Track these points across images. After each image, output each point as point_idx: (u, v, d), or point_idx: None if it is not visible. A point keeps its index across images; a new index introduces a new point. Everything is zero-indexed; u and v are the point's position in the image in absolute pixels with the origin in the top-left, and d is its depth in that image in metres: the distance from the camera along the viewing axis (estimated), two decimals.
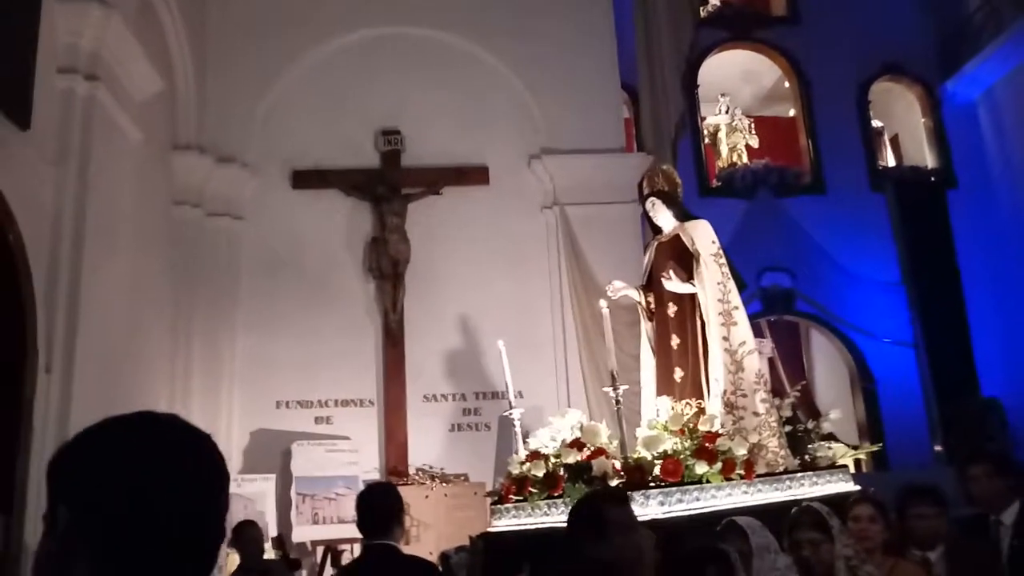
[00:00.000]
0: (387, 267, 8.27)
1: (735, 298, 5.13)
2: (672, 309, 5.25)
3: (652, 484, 4.15)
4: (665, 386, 5.15)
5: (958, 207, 12.68)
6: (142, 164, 6.75)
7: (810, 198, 12.86)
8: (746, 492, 4.35)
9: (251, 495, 7.01)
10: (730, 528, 3.06)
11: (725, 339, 4.99)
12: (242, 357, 8.01)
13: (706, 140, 13.61)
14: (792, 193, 12.90)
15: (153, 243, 7.25)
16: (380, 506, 3.12)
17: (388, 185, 8.46)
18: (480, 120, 8.84)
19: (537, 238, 8.71)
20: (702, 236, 5.25)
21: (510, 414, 5.24)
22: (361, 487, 7.55)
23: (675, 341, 5.22)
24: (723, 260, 5.20)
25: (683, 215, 5.48)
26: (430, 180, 8.62)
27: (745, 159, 13.54)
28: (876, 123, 13.76)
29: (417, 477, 7.53)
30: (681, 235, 5.30)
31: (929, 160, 13.63)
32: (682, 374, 5.15)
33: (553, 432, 4.77)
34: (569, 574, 2.48)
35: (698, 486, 4.21)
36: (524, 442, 5.08)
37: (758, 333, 13.62)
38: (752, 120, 14.00)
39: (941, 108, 13.67)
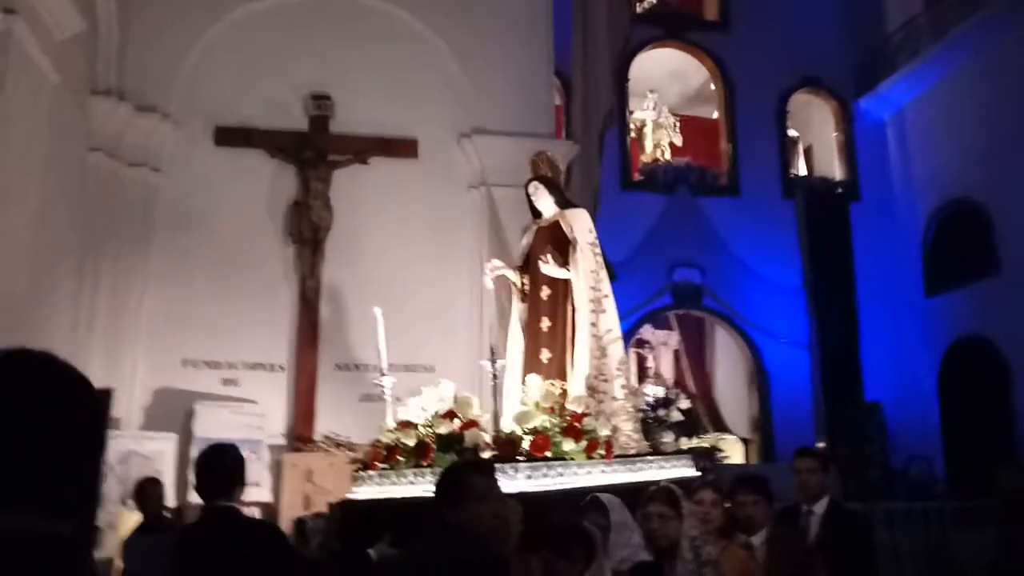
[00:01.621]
0: (307, 233, 8.20)
1: (606, 287, 5.31)
2: (545, 292, 5.38)
3: (521, 458, 4.24)
4: (532, 366, 5.25)
5: (860, 219, 13.37)
6: (58, 106, 6.49)
7: (725, 199, 13.34)
8: (604, 471, 4.52)
9: (150, 453, 6.91)
10: (594, 504, 3.23)
11: (593, 325, 5.16)
12: (150, 312, 7.82)
13: (632, 134, 13.92)
14: (709, 193, 13.35)
15: (65, 188, 6.99)
16: (219, 466, 3.01)
17: (315, 150, 8.37)
18: (413, 94, 8.82)
19: (462, 216, 8.78)
20: (581, 225, 5.41)
21: (380, 382, 5.24)
22: (266, 452, 7.58)
23: (545, 323, 5.35)
24: (598, 250, 5.39)
25: (563, 202, 5.63)
26: (358, 148, 8.57)
27: (668, 156, 13.91)
28: (792, 132, 14.34)
29: (323, 444, 7.53)
30: (560, 222, 5.45)
31: (838, 172, 14.31)
32: (549, 355, 5.28)
33: (424, 402, 4.76)
34: (430, 540, 2.52)
35: (562, 462, 4.33)
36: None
37: (666, 326, 14.15)
38: (677, 118, 14.37)
39: (853, 123, 14.35)
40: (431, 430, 4.49)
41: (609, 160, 11.16)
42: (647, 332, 13.78)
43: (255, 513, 6.93)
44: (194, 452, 7.12)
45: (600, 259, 5.39)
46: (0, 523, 1.00)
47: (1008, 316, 11.29)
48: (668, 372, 13.96)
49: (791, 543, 3.91)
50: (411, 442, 4.48)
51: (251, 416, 7.58)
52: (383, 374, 5.32)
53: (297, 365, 8.04)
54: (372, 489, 4.61)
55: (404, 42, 8.87)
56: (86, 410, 1.10)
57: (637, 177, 13.54)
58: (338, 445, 7.65)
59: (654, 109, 14.23)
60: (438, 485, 2.66)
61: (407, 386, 7.59)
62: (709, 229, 13.01)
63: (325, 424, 7.80)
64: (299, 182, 8.34)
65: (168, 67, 8.20)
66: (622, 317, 12.50)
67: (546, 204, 5.61)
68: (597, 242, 5.43)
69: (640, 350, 13.92)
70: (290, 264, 8.29)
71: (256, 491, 7.05)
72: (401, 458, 4.51)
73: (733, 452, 10.11)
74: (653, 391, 12.06)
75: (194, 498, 6.97)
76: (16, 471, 1.01)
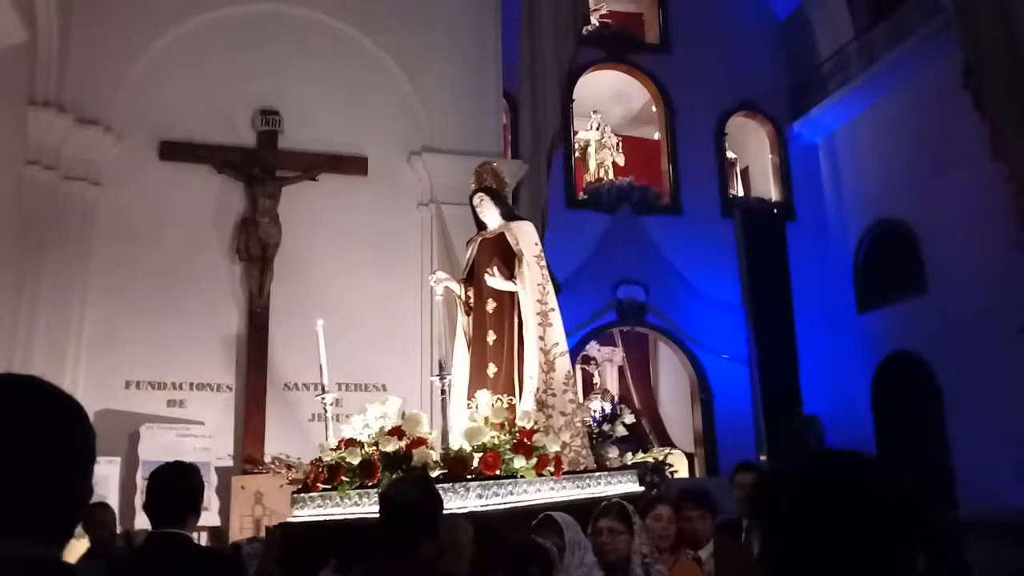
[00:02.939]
0: (255, 250, 8.05)
1: (552, 300, 5.23)
2: (491, 305, 5.27)
3: (470, 476, 4.12)
4: (478, 381, 5.14)
5: (795, 238, 13.83)
6: None
7: (668, 218, 13.64)
8: (553, 488, 4.44)
9: (94, 478, 6.64)
10: (546, 523, 3.14)
11: (541, 339, 5.06)
12: (91, 332, 7.55)
13: (576, 154, 14.11)
14: (652, 212, 13.63)
15: (0, 202, 6.73)
16: (173, 488, 2.72)
17: (263, 166, 8.24)
18: (363, 112, 8.79)
19: (411, 233, 8.75)
20: (526, 237, 5.31)
21: (322, 399, 5.03)
22: (214, 475, 7.38)
23: (491, 337, 5.24)
24: (544, 263, 5.31)
25: (509, 214, 5.53)
26: (307, 165, 8.47)
27: (611, 175, 14.15)
28: (731, 154, 14.76)
29: (273, 466, 7.36)
30: (506, 234, 5.33)
31: (774, 193, 14.78)
32: (496, 370, 5.16)
33: (368, 419, 4.55)
34: (382, 566, 2.41)
35: (512, 480, 4.22)
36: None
37: (611, 342, 14.33)
38: (620, 139, 14.65)
39: (788, 146, 14.86)
40: (376, 448, 4.29)
41: (554, 179, 11.30)
42: (592, 348, 13.94)
43: (202, 538, 6.75)
44: (140, 476, 6.92)
45: (546, 272, 5.31)
46: None
47: (935, 333, 11.80)
48: (614, 388, 14.13)
49: (740, 556, 3.99)
50: (356, 461, 4.28)
51: (198, 438, 7.38)
52: (324, 390, 5.08)
53: (245, 385, 7.87)
54: (314, 511, 4.40)
55: (355, 60, 8.83)
56: (76, 434, 1.10)
57: (581, 196, 13.75)
58: (288, 467, 7.50)
59: (598, 129, 14.49)
60: (384, 509, 2.54)
61: (359, 406, 7.54)
62: (652, 247, 13.27)
63: (275, 445, 7.62)
64: (247, 198, 8.19)
65: (112, 79, 7.98)
66: (568, 334, 12.62)
67: (491, 216, 5.48)
68: (543, 255, 5.36)
69: (586, 366, 14.06)
70: (237, 281, 8.13)
71: (204, 515, 6.85)
72: (345, 478, 4.29)
73: (679, 466, 10.29)
74: (600, 406, 12.17)
75: (142, 523, 6.79)
76: (7, 497, 1.01)
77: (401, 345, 8.28)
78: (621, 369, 14.44)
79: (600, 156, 14.28)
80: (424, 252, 8.70)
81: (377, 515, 2.64)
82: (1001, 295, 10.74)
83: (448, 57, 9.11)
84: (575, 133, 14.11)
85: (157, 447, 7.09)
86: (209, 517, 7.07)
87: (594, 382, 14.06)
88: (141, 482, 6.90)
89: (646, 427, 13.40)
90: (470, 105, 9.17)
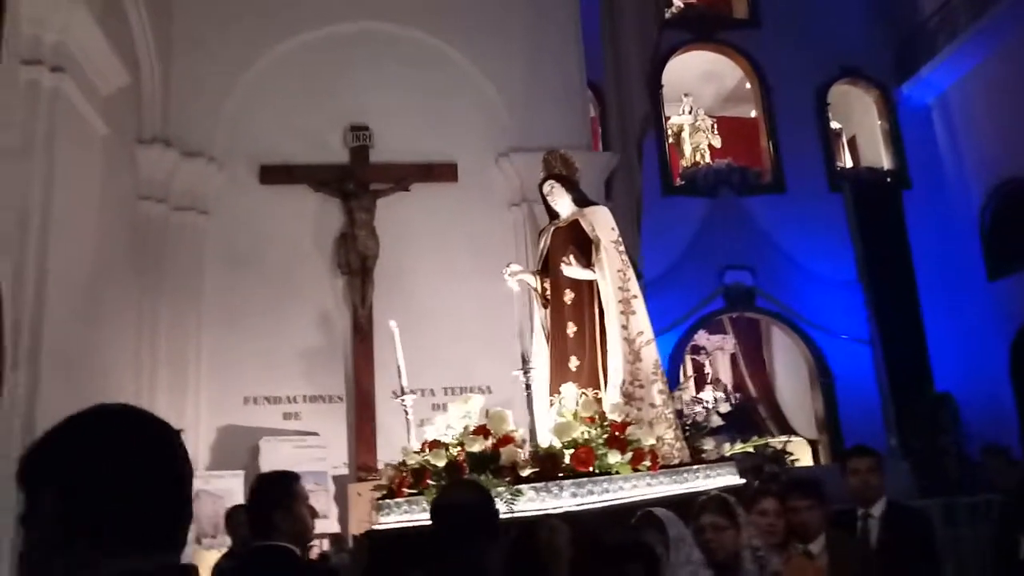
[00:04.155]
0: (356, 263, 8.28)
1: (634, 287, 4.99)
2: (569, 296, 5.07)
3: (563, 475, 3.94)
4: (560, 376, 4.93)
5: (912, 207, 13.03)
6: (108, 158, 6.66)
7: (770, 197, 13.13)
8: (649, 484, 4.21)
9: (219, 491, 6.98)
10: (648, 519, 2.96)
11: (624, 328, 4.83)
12: (208, 353, 7.95)
13: (670, 139, 13.81)
14: (753, 192, 13.16)
15: (118, 238, 7.16)
16: (254, 499, 2.69)
17: (357, 181, 8.46)
18: (448, 117, 8.88)
19: (505, 234, 8.77)
20: (602, 222, 5.09)
21: (402, 400, 4.93)
22: (330, 483, 7.61)
23: (571, 329, 5.03)
24: (623, 248, 5.07)
25: (582, 200, 5.32)
26: (399, 176, 8.64)
27: (708, 159, 13.78)
28: (834, 125, 14.09)
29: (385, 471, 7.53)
30: (580, 221, 5.13)
31: (885, 161, 14.00)
32: (578, 363, 4.95)
33: (451, 420, 4.45)
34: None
35: (607, 477, 4.00)
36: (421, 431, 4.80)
37: (720, 330, 13.92)
38: (715, 120, 14.24)
39: (897, 111, 14.04)
40: (462, 448, 4.17)
41: (648, 167, 11.07)
42: (701, 338, 13.58)
43: (324, 545, 6.95)
44: None
45: (626, 258, 5.06)
46: (128, 565, 1.07)
47: None
48: (726, 377, 13.73)
49: (855, 548, 3.74)
50: (441, 463, 4.15)
51: (313, 448, 7.64)
52: (404, 392, 5.04)
53: (355, 394, 8.08)
54: (400, 517, 4.27)
55: (435, 66, 8.94)
56: (172, 452, 1.17)
57: (678, 182, 13.42)
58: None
59: (690, 113, 14.14)
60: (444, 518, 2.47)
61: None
62: (756, 229, 12.80)
63: (385, 452, 7.80)
64: (344, 213, 8.43)
65: (210, 111, 8.39)
66: (675, 324, 12.42)
67: (563, 204, 5.32)
68: (620, 240, 5.11)
69: (696, 356, 13.73)
70: (340, 295, 8.37)
71: (324, 523, 7.08)
72: (432, 481, 4.14)
73: (801, 454, 9.85)
74: (713, 396, 11.85)
75: None
76: (127, 517, 1.08)
77: (503, 346, 8.27)
78: (733, 357, 13.99)
79: (695, 140, 13.91)
80: (519, 252, 8.69)
81: (434, 523, 2.55)
82: None
83: (529, 55, 9.09)
84: (667, 119, 13.80)
85: (276, 459, 7.36)
86: (329, 524, 7.30)
87: (705, 372, 13.70)
88: None
89: (763, 415, 12.94)
90: (555, 100, 9.12)
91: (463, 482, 3.42)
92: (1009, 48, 11.96)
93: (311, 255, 8.43)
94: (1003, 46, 12.09)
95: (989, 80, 12.60)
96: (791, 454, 9.42)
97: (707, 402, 10.94)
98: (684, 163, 13.85)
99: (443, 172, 8.77)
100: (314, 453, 7.65)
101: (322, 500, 7.27)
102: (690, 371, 13.06)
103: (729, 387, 13.23)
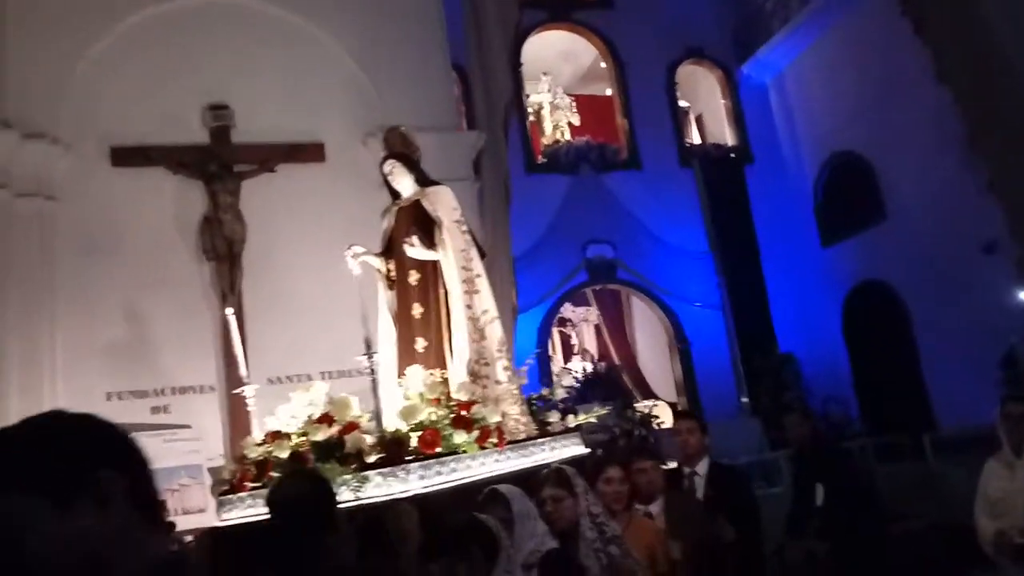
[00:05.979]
0: (222, 248, 7.97)
1: (478, 266, 5.02)
2: (414, 277, 5.05)
3: (410, 458, 3.92)
4: (406, 357, 4.91)
5: (755, 180, 13.99)
6: None
7: (628, 173, 13.71)
8: (497, 460, 4.26)
9: None
10: (492, 497, 3.03)
11: (469, 307, 4.87)
12: (64, 348, 7.44)
13: (531, 118, 14.08)
14: (612, 169, 13.69)
15: None
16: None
17: (219, 162, 8.12)
18: (313, 96, 8.67)
19: (376, 216, 8.65)
20: (444, 203, 5.08)
21: (242, 392, 4.79)
22: (206, 476, 7.37)
23: (417, 310, 5.02)
24: (465, 227, 5.07)
25: (423, 180, 5.27)
26: (263, 157, 8.36)
27: (568, 136, 14.15)
28: (683, 103, 14.82)
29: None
30: (422, 201, 5.12)
31: (729, 138, 14.90)
32: (425, 344, 4.94)
33: (294, 409, 4.37)
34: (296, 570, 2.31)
35: (454, 457, 4.03)
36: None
37: (585, 302, 14.44)
38: (573, 98, 14.61)
39: (738, 90, 14.95)
40: (306, 438, 4.11)
41: (512, 145, 11.27)
42: (567, 310, 14.04)
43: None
44: None
45: (469, 237, 5.08)
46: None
47: (899, 260, 12.06)
48: (592, 347, 14.27)
49: (684, 503, 4.08)
50: (284, 454, 4.08)
51: (186, 441, 7.35)
52: (243, 383, 4.91)
53: (227, 384, 7.82)
54: (244, 513, 4.15)
55: (300, 46, 8.69)
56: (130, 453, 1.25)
57: (540, 160, 13.74)
58: None
59: (549, 91, 14.45)
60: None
61: (346, 391, 7.56)
62: (615, 204, 13.34)
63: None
64: (207, 196, 8.08)
65: (53, 89, 7.78)
66: (542, 298, 12.76)
67: (405, 183, 5.26)
68: (463, 219, 5.12)
69: (563, 328, 14.18)
70: (207, 282, 8.05)
71: (201, 516, 6.86)
72: (275, 473, 4.04)
73: (665, 416, 10.46)
74: (581, 366, 12.31)
75: None
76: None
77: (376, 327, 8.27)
78: (598, 328, 14.58)
79: (555, 118, 14.26)
80: None
81: (272, 519, 2.54)
82: (958, 216, 10.97)
83: (393, 35, 9.01)
84: (527, 97, 14.06)
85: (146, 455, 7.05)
86: (206, 518, 7.07)
87: (572, 343, 14.19)
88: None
89: (627, 381, 13.58)
90: (421, 81, 9.10)
91: (295, 473, 3.35)
92: (839, 30, 12.99)
93: (174, 241, 8.04)
94: (833, 28, 13.11)
95: (821, 60, 13.64)
96: (658, 417, 9.98)
97: (578, 372, 11.34)
98: (545, 141, 14.17)
99: (310, 152, 8.57)
100: (186, 446, 7.36)
101: (198, 494, 7.04)
102: (558, 343, 13.49)
103: (595, 356, 13.77)
